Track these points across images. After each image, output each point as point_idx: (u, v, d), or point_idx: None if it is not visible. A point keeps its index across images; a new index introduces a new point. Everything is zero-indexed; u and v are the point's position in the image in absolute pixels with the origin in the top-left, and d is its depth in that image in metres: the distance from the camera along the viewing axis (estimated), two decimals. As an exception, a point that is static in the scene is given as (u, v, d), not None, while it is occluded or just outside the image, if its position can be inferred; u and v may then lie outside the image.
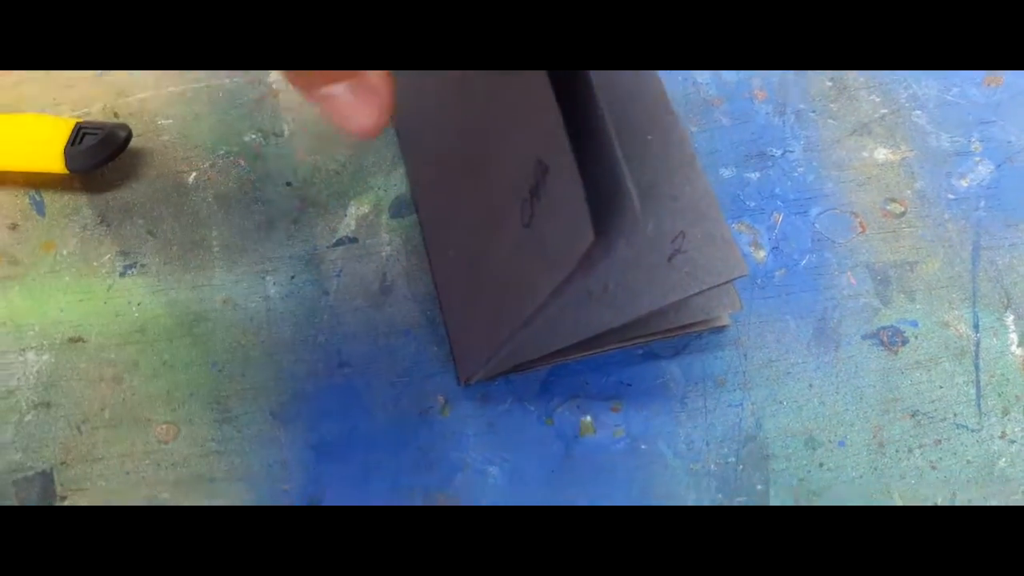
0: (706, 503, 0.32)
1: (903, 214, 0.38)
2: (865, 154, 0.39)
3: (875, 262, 0.36)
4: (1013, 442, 0.33)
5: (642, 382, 0.34)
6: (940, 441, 0.33)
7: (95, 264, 0.35)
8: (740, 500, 0.32)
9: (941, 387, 0.34)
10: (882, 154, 0.39)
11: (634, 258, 0.28)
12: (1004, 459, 0.33)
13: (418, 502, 0.31)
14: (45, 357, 0.33)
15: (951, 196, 0.38)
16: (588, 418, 0.33)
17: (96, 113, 0.38)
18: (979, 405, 0.34)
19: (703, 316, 0.33)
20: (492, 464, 0.32)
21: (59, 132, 0.35)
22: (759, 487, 0.32)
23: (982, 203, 0.38)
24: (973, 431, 0.33)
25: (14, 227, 0.36)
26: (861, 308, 0.35)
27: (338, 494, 0.31)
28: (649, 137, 0.30)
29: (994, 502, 0.32)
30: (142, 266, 0.35)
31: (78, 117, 0.37)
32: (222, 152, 0.38)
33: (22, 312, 0.34)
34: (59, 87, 0.39)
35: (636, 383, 0.34)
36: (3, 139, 0.35)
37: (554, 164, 0.26)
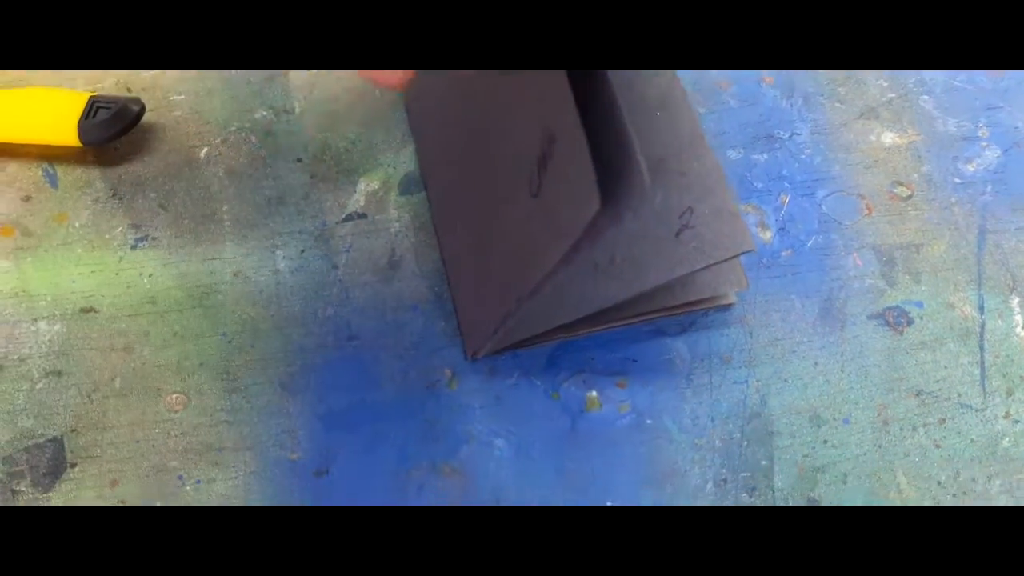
0: (710, 478, 0.32)
1: (910, 197, 0.38)
2: (872, 138, 0.39)
3: (881, 244, 0.37)
4: (1017, 422, 0.33)
5: (648, 358, 0.34)
6: (944, 420, 0.33)
7: (107, 236, 0.36)
8: (744, 475, 0.32)
9: (946, 367, 0.34)
10: (889, 138, 0.39)
11: (641, 231, 0.28)
12: (1008, 439, 0.33)
13: (424, 472, 0.32)
14: (57, 327, 0.34)
15: (957, 180, 0.38)
16: (594, 393, 0.33)
17: (109, 87, 0.39)
18: (983, 385, 0.34)
19: (709, 293, 0.33)
20: (498, 436, 0.32)
21: (73, 105, 0.36)
22: (763, 463, 0.32)
23: (988, 187, 0.38)
24: (977, 411, 0.34)
25: (27, 199, 0.36)
26: (867, 289, 0.36)
27: (346, 464, 0.32)
28: (658, 113, 0.31)
29: (997, 481, 0.32)
30: (153, 239, 0.36)
31: (92, 91, 0.37)
32: (234, 128, 0.38)
33: (35, 282, 0.34)
34: (73, 63, 0.40)
35: (642, 359, 0.34)
36: (18, 112, 0.36)
37: (561, 132, 0.26)
